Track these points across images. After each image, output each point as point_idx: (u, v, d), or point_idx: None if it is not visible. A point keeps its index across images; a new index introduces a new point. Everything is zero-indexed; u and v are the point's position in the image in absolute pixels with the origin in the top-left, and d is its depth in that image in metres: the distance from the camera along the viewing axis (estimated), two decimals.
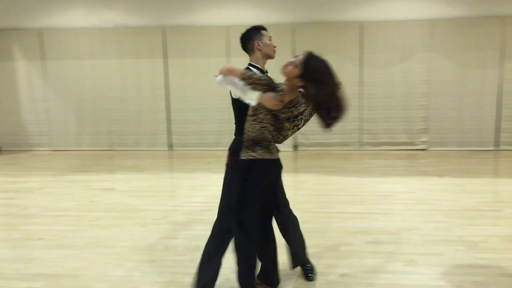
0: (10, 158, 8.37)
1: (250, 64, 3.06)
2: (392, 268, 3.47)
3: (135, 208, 5.10)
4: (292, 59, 2.71)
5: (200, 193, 5.73)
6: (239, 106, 2.89)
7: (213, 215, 4.78)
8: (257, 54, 3.07)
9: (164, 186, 6.30)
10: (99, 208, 5.17)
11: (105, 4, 8.59)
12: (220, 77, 2.79)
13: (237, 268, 2.88)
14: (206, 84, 8.57)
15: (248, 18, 8.35)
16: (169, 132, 8.82)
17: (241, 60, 8.99)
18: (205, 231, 4.31)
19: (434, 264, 3.53)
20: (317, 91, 2.64)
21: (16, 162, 8.07)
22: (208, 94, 8.59)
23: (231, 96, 2.91)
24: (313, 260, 3.62)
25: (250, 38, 3.07)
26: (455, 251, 3.77)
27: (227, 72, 2.75)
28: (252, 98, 2.69)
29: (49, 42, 8.74)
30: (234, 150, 2.94)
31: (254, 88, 2.69)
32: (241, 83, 2.72)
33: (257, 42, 3.05)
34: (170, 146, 8.84)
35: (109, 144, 8.94)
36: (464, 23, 7.97)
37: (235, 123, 3.03)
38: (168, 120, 8.78)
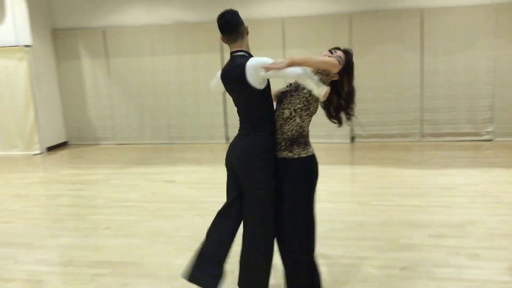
0: (77, 152, 8.84)
1: (242, 51, 2.73)
2: (454, 262, 3.37)
3: (195, 200, 5.25)
4: (333, 54, 2.60)
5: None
6: (268, 100, 2.78)
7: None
8: (246, 40, 2.77)
9: (222, 178, 6.40)
10: (161, 199, 5.37)
11: (164, 1, 8.83)
12: (299, 69, 2.49)
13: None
14: None
15: (304, 9, 8.28)
16: (226, 125, 8.95)
17: (296, 52, 8.99)
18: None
19: (498, 259, 3.39)
20: (350, 85, 2.66)
21: (83, 155, 8.51)
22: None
23: (253, 88, 2.67)
24: (372, 253, 3.59)
25: (240, 22, 2.74)
26: None
27: (303, 63, 2.50)
28: (323, 91, 2.53)
29: (112, 40, 9.11)
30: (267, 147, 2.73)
31: (322, 80, 2.60)
32: (313, 74, 2.57)
33: (247, 27, 2.77)
34: (227, 139, 8.98)
35: (168, 138, 9.21)
36: None
37: (249, 119, 2.79)
38: (225, 114, 8.91)
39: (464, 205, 4.65)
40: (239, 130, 2.85)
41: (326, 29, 8.18)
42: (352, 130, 8.39)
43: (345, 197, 5.20)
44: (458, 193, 5.09)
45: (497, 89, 7.79)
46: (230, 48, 2.76)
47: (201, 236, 4.06)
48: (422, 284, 3.09)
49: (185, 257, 3.65)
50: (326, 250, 3.67)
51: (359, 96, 8.05)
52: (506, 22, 7.59)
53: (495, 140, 7.91)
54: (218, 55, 8.67)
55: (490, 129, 7.93)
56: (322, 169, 6.52)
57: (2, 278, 3.48)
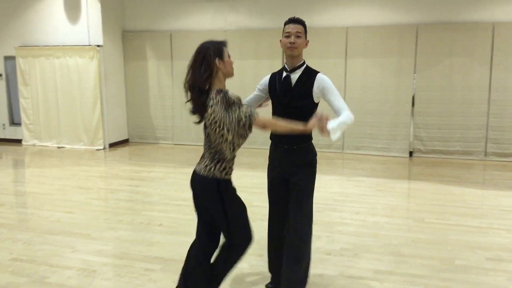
0: (137, 150, 9.17)
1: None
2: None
3: (247, 204, 5.25)
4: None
5: None
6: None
7: (321, 216, 4.82)
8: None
9: None
10: None
11: (230, 7, 9.02)
12: (336, 135, 2.66)
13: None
14: None
15: (369, 18, 8.17)
16: None
17: (359, 62, 8.91)
18: (314, 232, 4.36)
19: None
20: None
21: (143, 153, 8.82)
22: None
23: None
24: (425, 272, 3.48)
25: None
26: None
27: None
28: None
29: (178, 43, 9.40)
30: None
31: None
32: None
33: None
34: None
35: None
36: None
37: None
38: None
39: (490, 233, 4.40)
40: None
41: (391, 40, 8.03)
42: (411, 144, 8.15)
43: (401, 212, 5.07)
44: None
45: None
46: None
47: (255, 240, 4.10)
48: None
49: None
50: (379, 266, 3.60)
51: (421, 109, 7.94)
52: None
53: None
54: (280, 61, 8.72)
55: None
56: (379, 182, 6.40)
57: (59, 265, 3.68)
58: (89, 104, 9.08)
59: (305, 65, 2.99)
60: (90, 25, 8.96)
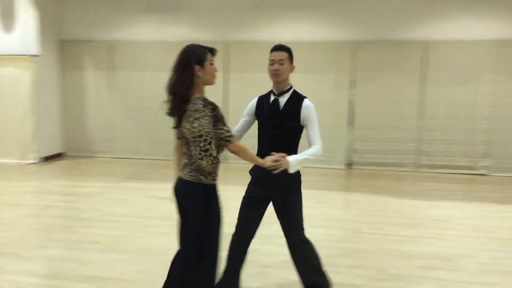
0: (73, 163, 8.82)
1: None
2: None
3: None
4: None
5: None
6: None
7: (262, 230, 4.81)
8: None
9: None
10: (153, 215, 5.34)
11: (173, 19, 8.95)
12: (294, 170, 2.89)
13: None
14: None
15: (312, 35, 8.39)
16: None
17: (299, 77, 9.11)
18: (252, 244, 4.35)
19: None
20: None
21: (79, 167, 8.50)
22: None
23: (290, 125, 3.01)
24: (361, 281, 3.56)
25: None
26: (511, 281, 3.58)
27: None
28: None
29: (118, 54, 9.20)
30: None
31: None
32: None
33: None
34: (226, 158, 8.98)
35: (166, 154, 9.22)
36: None
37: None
38: None
39: (456, 238, 4.63)
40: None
41: (329, 56, 8.28)
42: (348, 156, 8.41)
43: (338, 223, 5.18)
44: (451, 226, 5.08)
45: (495, 124, 7.84)
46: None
47: None
48: None
49: None
50: None
51: (359, 122, 8.20)
52: (507, 58, 7.69)
53: (490, 175, 7.92)
54: (221, 75, 8.74)
55: (485, 164, 7.95)
56: (317, 195, 6.51)
57: None
58: (22, 116, 8.66)
59: (292, 90, 3.13)
60: (26, 34, 8.57)
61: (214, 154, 2.58)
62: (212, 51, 2.63)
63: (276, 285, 3.51)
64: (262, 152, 2.97)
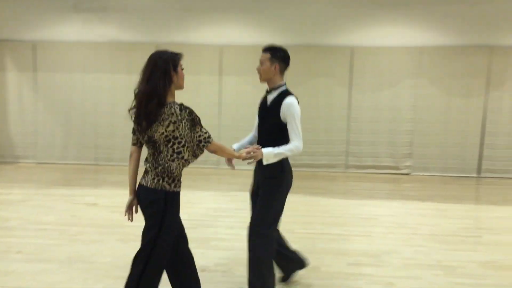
0: None
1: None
2: None
3: (118, 224, 5.08)
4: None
5: (184, 210, 5.67)
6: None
7: (195, 233, 4.79)
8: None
9: None
10: (81, 223, 5.14)
11: (100, 19, 8.67)
12: (268, 162, 3.06)
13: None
14: (197, 102, 8.61)
15: (242, 38, 8.47)
16: None
17: (233, 80, 9.14)
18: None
19: (412, 287, 3.57)
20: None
21: (0, 173, 7.99)
22: (199, 111, 8.60)
23: (274, 120, 3.16)
24: (294, 279, 3.64)
25: None
26: (434, 276, 3.81)
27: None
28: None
29: (42, 55, 8.76)
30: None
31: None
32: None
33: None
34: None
35: (94, 159, 8.90)
36: (451, 51, 8.14)
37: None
38: None
39: (382, 235, 4.86)
40: None
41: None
42: None
43: None
44: (377, 223, 5.32)
45: (417, 126, 8.32)
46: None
47: (122, 262, 3.94)
48: None
49: (104, 284, 3.51)
50: None
51: None
52: (427, 64, 8.18)
53: (412, 174, 8.39)
54: None
55: (408, 164, 8.42)
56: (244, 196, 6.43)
57: None
58: None
59: (282, 88, 3.24)
60: None
61: (186, 157, 2.61)
62: (181, 56, 2.72)
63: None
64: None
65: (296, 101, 3.18)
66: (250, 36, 8.47)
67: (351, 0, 8.28)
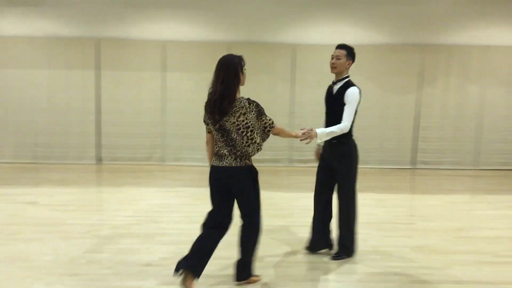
0: None
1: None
2: (312, 277, 3.66)
3: (59, 222, 4.97)
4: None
5: (129, 207, 5.67)
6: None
7: (140, 229, 4.78)
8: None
9: (91, 200, 6.17)
10: (20, 221, 4.98)
11: (37, 13, 8.36)
12: (321, 140, 3.75)
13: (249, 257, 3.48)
14: (140, 98, 8.53)
15: (184, 34, 8.45)
16: (98, 145, 8.64)
17: (177, 75, 9.12)
18: (131, 244, 4.32)
19: (350, 272, 3.77)
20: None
21: None
22: (141, 107, 8.55)
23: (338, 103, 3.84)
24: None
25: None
26: (370, 260, 4.03)
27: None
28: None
29: None
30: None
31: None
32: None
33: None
34: (99, 159, 8.66)
35: (33, 157, 8.60)
36: (387, 49, 8.54)
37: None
38: (98, 133, 8.61)
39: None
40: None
41: (205, 55, 8.43)
42: None
43: None
44: None
45: (359, 121, 8.63)
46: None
47: (65, 259, 3.88)
48: None
49: (45, 282, 3.45)
50: None
51: None
52: (365, 61, 8.50)
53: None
54: (93, 72, 8.41)
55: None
56: (198, 192, 6.55)
57: None
58: None
59: (346, 79, 3.91)
60: None
61: (258, 141, 3.20)
62: (244, 59, 3.37)
63: (157, 282, 3.53)
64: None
65: (359, 90, 3.82)
66: (193, 32, 8.48)
67: None
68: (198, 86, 8.45)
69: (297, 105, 8.61)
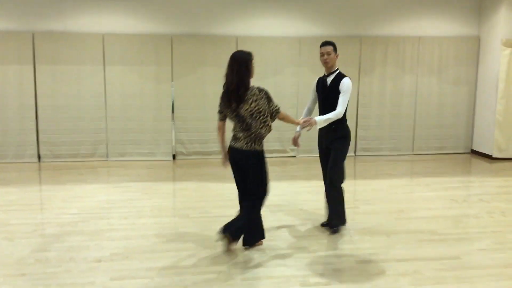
0: None
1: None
2: (263, 264, 3.77)
3: (2, 223, 4.78)
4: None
5: (74, 204, 5.54)
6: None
7: (88, 226, 4.71)
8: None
9: (34, 199, 5.96)
10: None
11: None
12: (320, 126, 4.23)
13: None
14: (80, 93, 8.28)
15: (125, 27, 8.28)
16: (38, 142, 8.32)
17: (118, 69, 8.95)
18: (79, 242, 4.26)
19: (300, 257, 3.92)
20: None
21: None
22: (82, 102, 8.30)
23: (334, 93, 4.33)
24: (193, 261, 3.79)
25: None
26: (319, 244, 4.21)
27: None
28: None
29: None
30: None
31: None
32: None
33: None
34: (39, 157, 8.35)
35: None
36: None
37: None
38: (37, 130, 8.29)
39: (272, 213, 5.19)
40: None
41: (148, 48, 8.31)
42: (173, 148, 8.60)
43: (167, 211, 5.32)
44: (268, 202, 5.56)
45: (300, 111, 8.85)
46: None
47: (11, 260, 3.77)
48: (237, 284, 3.39)
49: None
50: (149, 263, 3.75)
51: (180, 115, 8.53)
52: (307, 53, 8.72)
53: (298, 156, 8.95)
54: (31, 67, 8.06)
55: (294, 147, 8.93)
56: (146, 186, 6.57)
57: None
58: None
59: (338, 71, 4.40)
60: None
61: (269, 123, 3.81)
62: (252, 54, 3.88)
63: (109, 277, 3.50)
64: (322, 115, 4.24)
65: (351, 80, 4.32)
66: (134, 24, 8.32)
67: None
68: (141, 80, 8.32)
69: None
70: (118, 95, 8.35)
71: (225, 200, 5.80)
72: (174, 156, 8.65)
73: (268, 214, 5.15)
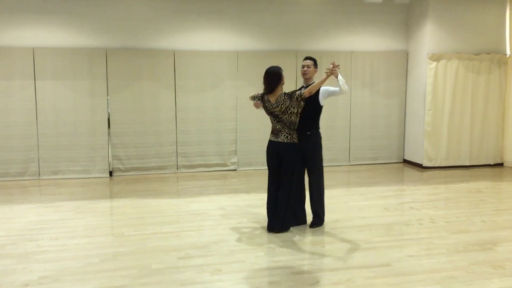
0: None
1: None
2: (200, 279, 3.73)
3: None
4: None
5: (1, 226, 5.25)
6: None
7: (15, 249, 4.48)
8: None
9: None
10: None
11: None
12: (341, 81, 4.83)
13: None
14: (9, 109, 7.89)
15: (57, 41, 8.01)
16: None
17: (49, 84, 8.63)
18: (6, 265, 4.04)
19: (237, 271, 3.91)
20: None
21: None
22: (11, 119, 7.92)
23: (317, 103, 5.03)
24: (126, 281, 3.69)
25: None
26: (256, 257, 4.23)
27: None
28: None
29: None
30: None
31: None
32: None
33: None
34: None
35: None
36: (264, 55, 8.87)
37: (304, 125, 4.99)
38: None
39: (211, 228, 5.17)
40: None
41: (81, 62, 8.08)
42: (110, 164, 8.36)
43: (101, 231, 5.15)
44: (207, 217, 5.63)
45: (239, 125, 8.91)
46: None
47: None
48: None
49: None
50: (81, 285, 3.61)
51: (116, 130, 8.34)
52: (244, 66, 8.81)
53: (239, 169, 8.98)
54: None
55: (234, 160, 8.98)
56: (80, 205, 6.38)
57: None
58: None
59: (313, 82, 4.91)
60: None
61: (296, 111, 4.75)
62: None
63: None
64: (300, 125, 4.89)
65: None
66: (65, 38, 8.07)
67: (172, 5, 8.49)
68: (75, 94, 8.06)
69: (180, 111, 8.59)
70: (50, 111, 8.03)
71: (164, 216, 5.70)
72: (111, 173, 8.41)
73: (207, 228, 5.13)
